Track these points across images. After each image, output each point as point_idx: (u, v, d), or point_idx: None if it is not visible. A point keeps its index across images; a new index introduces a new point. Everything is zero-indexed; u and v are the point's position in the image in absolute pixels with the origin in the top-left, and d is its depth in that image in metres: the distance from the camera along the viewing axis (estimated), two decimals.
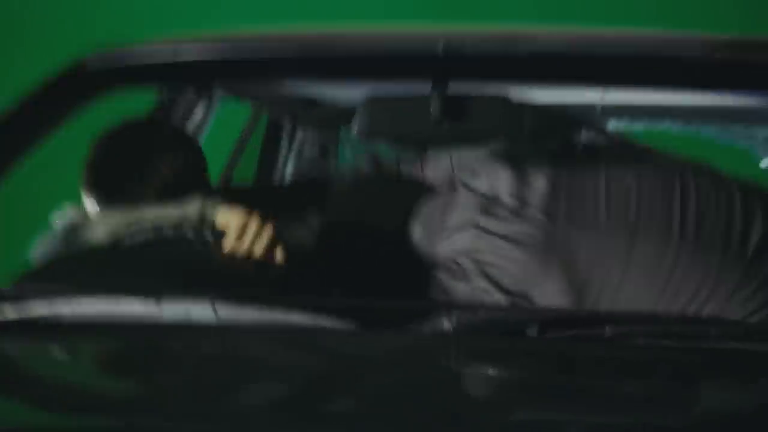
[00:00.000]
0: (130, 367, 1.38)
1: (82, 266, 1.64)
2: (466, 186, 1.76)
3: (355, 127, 1.85)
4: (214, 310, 1.41)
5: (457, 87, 1.84)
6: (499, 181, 1.73)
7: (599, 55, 1.79)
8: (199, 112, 2.63)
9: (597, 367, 1.36)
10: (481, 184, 1.75)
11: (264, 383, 1.31)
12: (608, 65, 1.80)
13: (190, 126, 2.60)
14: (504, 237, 1.65)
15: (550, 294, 1.58)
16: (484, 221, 1.68)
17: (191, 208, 1.77)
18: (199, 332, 1.42)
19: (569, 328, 1.38)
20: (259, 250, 1.69)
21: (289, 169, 3.18)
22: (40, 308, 1.45)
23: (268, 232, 1.71)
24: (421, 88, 1.90)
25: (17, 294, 1.49)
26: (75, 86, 1.94)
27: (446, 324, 1.37)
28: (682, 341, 1.38)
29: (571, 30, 1.92)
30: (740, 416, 1.21)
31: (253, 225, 1.71)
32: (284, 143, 3.18)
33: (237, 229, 1.71)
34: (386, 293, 1.65)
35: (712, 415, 1.23)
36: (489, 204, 1.69)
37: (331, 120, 3.12)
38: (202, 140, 2.58)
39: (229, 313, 1.42)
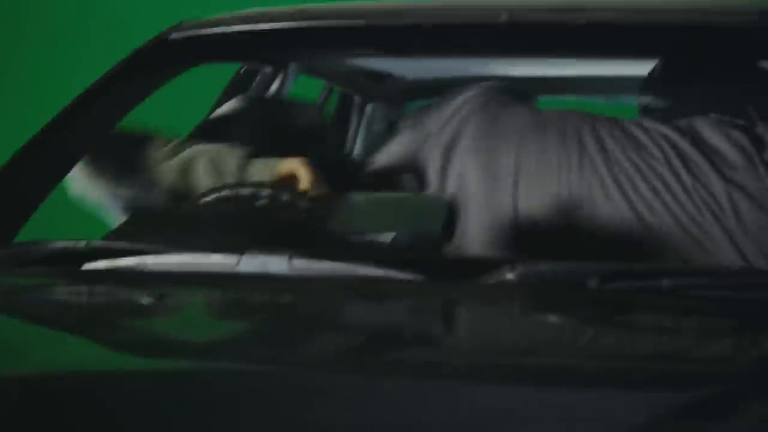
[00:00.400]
0: (209, 314, 1.47)
1: (164, 224, 1.73)
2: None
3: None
4: (290, 263, 1.49)
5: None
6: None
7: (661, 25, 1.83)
8: (274, 87, 2.71)
9: (653, 316, 1.42)
10: None
11: (334, 333, 1.38)
12: (670, 34, 1.84)
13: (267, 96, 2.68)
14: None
15: None
16: None
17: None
18: (275, 283, 1.50)
19: (628, 279, 1.44)
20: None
21: (359, 144, 3.25)
22: (126, 260, 1.55)
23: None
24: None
25: (106, 246, 1.58)
26: (159, 60, 2.02)
27: (510, 275, 1.43)
28: (739, 292, 1.42)
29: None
30: None
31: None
32: (354, 118, 3.24)
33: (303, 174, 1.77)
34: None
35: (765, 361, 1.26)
36: None
37: (399, 94, 3.18)
38: None
39: (303, 265, 1.49)
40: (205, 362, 1.23)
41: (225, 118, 2.15)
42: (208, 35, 2.01)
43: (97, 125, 1.94)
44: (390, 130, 3.25)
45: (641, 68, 2.03)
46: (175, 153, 1.89)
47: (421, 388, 1.13)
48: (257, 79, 2.70)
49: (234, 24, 2.03)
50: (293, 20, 2.02)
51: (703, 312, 1.42)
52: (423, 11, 1.99)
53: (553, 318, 1.42)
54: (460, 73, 2.83)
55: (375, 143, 3.20)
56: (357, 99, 3.23)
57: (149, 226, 1.72)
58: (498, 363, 1.24)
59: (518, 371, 1.21)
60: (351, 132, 3.27)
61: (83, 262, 1.56)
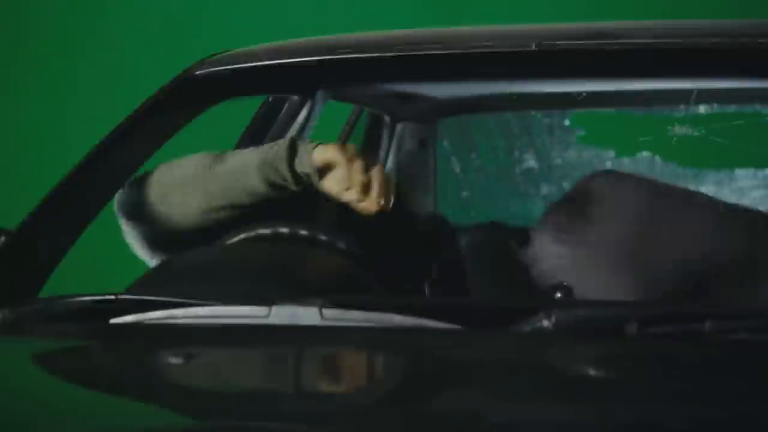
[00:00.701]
0: (239, 373, 1.44)
1: (191, 272, 1.70)
2: None
3: None
4: (321, 313, 1.46)
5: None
6: None
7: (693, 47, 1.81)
8: (302, 116, 2.69)
9: (697, 365, 1.37)
10: None
11: (367, 388, 1.36)
12: (702, 56, 1.82)
13: (295, 128, 2.67)
14: None
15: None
16: None
17: (279, 149, 1.75)
18: (307, 335, 1.47)
19: (668, 324, 1.40)
20: (367, 183, 1.66)
21: (390, 164, 3.23)
22: (155, 314, 1.52)
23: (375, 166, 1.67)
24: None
25: (134, 299, 1.56)
26: (186, 97, 2.00)
27: (546, 323, 1.40)
28: None
29: (662, 23, 1.93)
30: None
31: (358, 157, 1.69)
32: (385, 138, 3.23)
33: (343, 161, 1.69)
34: None
35: None
36: None
37: (429, 113, 3.17)
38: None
39: (334, 315, 1.46)
40: (232, 425, 1.20)
41: None
42: (233, 71, 2.00)
43: (122, 168, 1.92)
44: (421, 149, 3.23)
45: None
46: None
47: None
48: (284, 108, 2.68)
49: (257, 59, 2.02)
50: (318, 53, 2.00)
51: (746, 357, 1.37)
52: (449, 39, 1.98)
53: (585, 370, 1.38)
54: (489, 90, 2.82)
55: (406, 162, 3.19)
56: (386, 119, 3.21)
57: (177, 274, 1.69)
58: (525, 419, 1.21)
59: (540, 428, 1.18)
60: (382, 152, 3.25)
61: (110, 317, 1.54)
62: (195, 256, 1.72)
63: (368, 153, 3.11)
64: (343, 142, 3.12)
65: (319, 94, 2.70)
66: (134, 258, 1.90)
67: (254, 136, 2.56)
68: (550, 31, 1.90)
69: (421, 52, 1.95)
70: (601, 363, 1.38)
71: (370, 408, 1.26)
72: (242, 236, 1.78)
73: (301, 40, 2.09)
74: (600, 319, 1.41)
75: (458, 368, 1.39)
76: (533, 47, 1.84)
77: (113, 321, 1.53)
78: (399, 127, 3.21)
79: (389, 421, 1.21)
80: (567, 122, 3.65)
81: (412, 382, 1.34)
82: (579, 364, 1.39)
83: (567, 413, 1.22)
